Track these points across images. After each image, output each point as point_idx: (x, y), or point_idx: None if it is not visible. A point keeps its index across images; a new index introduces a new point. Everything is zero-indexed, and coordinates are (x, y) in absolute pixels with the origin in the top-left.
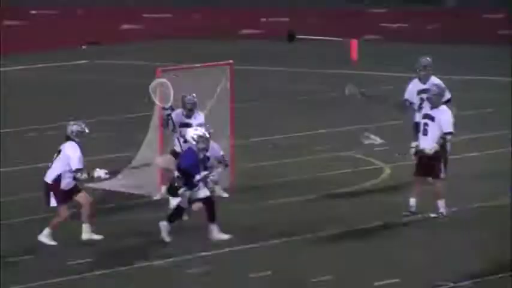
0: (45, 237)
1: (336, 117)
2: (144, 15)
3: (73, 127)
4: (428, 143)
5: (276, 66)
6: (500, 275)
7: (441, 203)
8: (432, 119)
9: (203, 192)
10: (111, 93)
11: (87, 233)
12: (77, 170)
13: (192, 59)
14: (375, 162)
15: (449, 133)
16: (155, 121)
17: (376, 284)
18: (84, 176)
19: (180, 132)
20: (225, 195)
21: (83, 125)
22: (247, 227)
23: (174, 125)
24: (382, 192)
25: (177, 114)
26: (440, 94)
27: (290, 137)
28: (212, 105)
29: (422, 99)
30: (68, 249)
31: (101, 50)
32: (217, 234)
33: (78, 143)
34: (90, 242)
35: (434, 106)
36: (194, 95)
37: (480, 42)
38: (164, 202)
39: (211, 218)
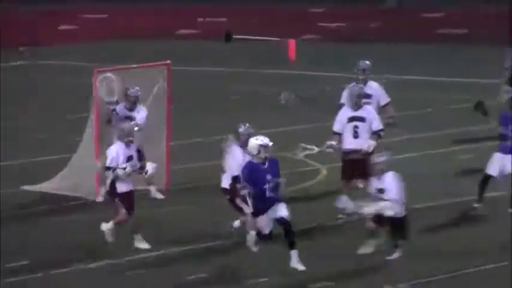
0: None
1: (274, 118)
2: (82, 15)
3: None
4: (362, 144)
5: (213, 66)
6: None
7: None
8: (362, 119)
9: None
10: (50, 93)
11: (140, 242)
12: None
13: (130, 60)
14: (312, 163)
15: (382, 130)
16: (92, 121)
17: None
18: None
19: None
20: (160, 196)
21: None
22: (181, 227)
23: (116, 120)
24: (317, 193)
25: (120, 108)
26: (362, 94)
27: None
28: (149, 105)
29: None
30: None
31: (40, 51)
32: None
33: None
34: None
35: (358, 107)
36: (137, 88)
37: (420, 41)
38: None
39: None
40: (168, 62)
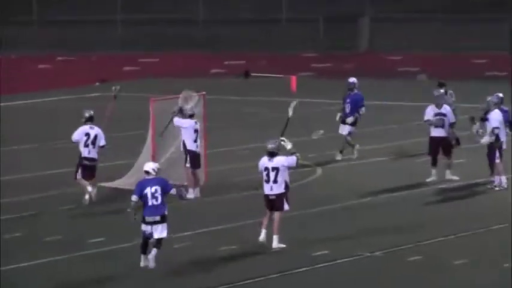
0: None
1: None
2: (140, 60)
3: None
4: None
5: (235, 96)
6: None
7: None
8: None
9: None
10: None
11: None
12: None
13: (175, 92)
14: (310, 164)
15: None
16: (150, 136)
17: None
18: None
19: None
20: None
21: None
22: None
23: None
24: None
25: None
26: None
27: (242, 148)
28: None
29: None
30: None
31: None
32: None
33: None
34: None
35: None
36: (192, 106)
37: (384, 77)
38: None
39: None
40: (204, 92)
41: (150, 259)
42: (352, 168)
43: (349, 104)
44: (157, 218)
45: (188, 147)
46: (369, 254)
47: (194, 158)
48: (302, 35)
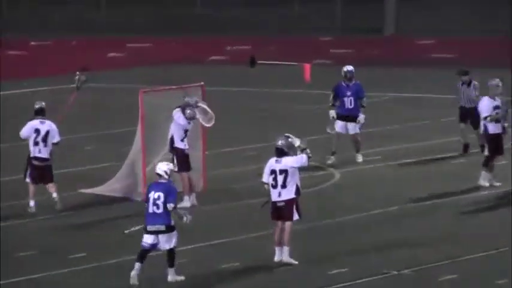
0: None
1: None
2: (128, 45)
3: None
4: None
5: (239, 87)
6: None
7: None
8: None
9: None
10: (102, 111)
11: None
12: None
13: (166, 82)
14: (326, 168)
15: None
16: (138, 135)
17: None
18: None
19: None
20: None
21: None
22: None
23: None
24: (331, 193)
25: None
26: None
27: (248, 148)
28: None
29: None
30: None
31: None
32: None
33: None
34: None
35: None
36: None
37: (414, 65)
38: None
39: None
40: (202, 83)
41: (169, 275)
42: (375, 172)
43: (351, 97)
44: (162, 227)
45: (175, 144)
46: (395, 273)
47: (182, 158)
48: (317, 16)
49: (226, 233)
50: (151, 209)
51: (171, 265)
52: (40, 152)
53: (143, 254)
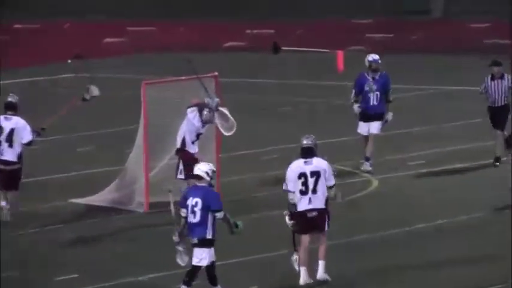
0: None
1: (321, 129)
2: (129, 28)
3: None
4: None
5: (261, 78)
6: None
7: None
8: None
9: None
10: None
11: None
12: None
13: (176, 72)
14: (362, 174)
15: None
16: (140, 135)
17: None
18: None
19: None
20: None
21: None
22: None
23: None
24: (372, 203)
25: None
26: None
27: (276, 149)
28: None
29: None
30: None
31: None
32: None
33: None
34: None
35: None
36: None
37: (467, 51)
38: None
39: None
40: (216, 73)
41: None
42: (419, 179)
43: (377, 92)
44: (195, 240)
45: (186, 147)
46: None
47: (190, 164)
48: None
49: (242, 251)
50: (189, 217)
51: (213, 283)
52: (3, 153)
53: (191, 272)
